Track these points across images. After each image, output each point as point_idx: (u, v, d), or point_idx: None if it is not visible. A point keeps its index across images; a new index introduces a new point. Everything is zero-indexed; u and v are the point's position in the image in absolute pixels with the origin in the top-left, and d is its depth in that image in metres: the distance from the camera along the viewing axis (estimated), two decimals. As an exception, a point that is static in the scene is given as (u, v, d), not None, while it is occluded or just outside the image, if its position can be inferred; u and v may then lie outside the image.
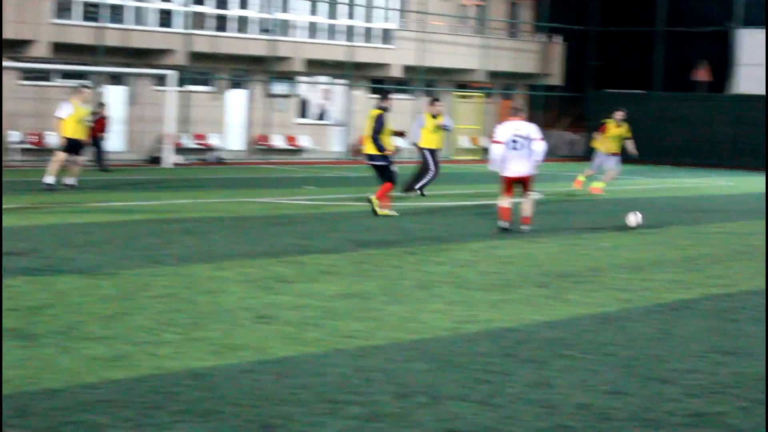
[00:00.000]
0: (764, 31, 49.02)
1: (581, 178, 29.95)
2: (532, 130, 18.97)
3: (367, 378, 8.26)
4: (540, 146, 18.83)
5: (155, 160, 38.58)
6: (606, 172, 29.58)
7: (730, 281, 13.83)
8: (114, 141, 38.89)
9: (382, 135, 21.54)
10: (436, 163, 26.62)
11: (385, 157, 21.69)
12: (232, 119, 43.34)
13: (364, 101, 47.35)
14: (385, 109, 21.91)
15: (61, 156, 25.89)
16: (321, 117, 46.89)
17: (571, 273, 14.12)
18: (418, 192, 26.37)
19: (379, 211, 21.27)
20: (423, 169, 26.60)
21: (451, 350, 9.34)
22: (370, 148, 21.78)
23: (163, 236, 16.93)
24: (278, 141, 44.54)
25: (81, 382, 7.85)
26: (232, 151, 42.66)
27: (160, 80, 39.75)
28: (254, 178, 32.73)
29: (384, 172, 21.66)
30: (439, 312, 11.06)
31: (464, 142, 51.06)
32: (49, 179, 25.49)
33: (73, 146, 26.10)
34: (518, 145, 18.74)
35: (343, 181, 32.35)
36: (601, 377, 8.51)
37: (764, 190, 30.81)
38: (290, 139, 45.00)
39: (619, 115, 29.39)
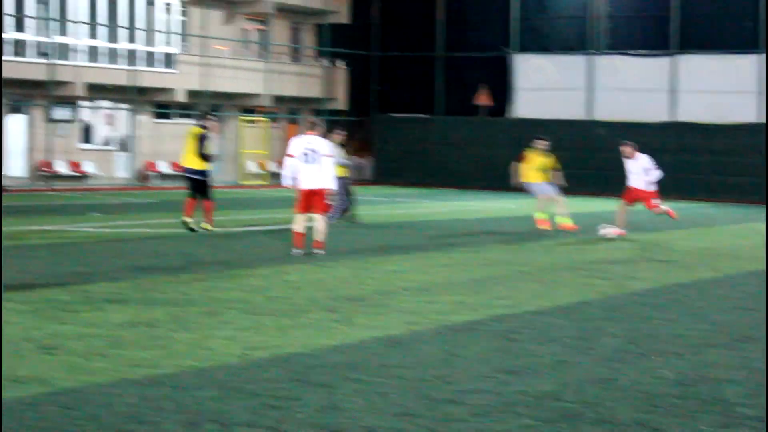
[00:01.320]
0: (538, 56, 50.47)
1: (541, 216, 26.77)
2: (324, 145, 19.21)
3: (156, 407, 8.17)
4: (329, 162, 19.11)
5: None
6: (542, 200, 27.15)
7: (513, 302, 14.14)
8: None
9: (205, 152, 22.71)
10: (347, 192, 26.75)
11: (204, 173, 22.77)
12: (12, 145, 42.31)
13: (149, 126, 46.90)
14: (205, 128, 22.92)
15: None
16: (105, 142, 46.20)
17: (359, 297, 14.23)
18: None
19: (204, 225, 22.42)
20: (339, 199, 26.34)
21: (240, 377, 9.31)
22: (190, 163, 22.79)
23: (-60, 267, 16.40)
24: (61, 167, 43.69)
25: None
26: (13, 177, 41.64)
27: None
28: (37, 206, 32.00)
29: (202, 187, 22.74)
30: (228, 338, 11.02)
31: (251, 166, 51.00)
32: None
33: None
34: (310, 158, 18.96)
35: (129, 207, 31.93)
36: (390, 400, 8.61)
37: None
38: (74, 165, 44.19)
39: (542, 144, 26.85)
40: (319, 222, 19.21)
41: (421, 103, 53.84)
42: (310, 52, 55.13)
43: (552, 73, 50.24)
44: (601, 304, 14.12)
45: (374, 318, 12.55)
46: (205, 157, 22.85)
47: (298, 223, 19.12)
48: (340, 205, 26.48)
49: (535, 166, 26.67)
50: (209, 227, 22.86)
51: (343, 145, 26.36)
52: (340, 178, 25.98)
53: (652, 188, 24.73)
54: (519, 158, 27.20)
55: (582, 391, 9.08)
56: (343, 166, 26.08)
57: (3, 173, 40.74)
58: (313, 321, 12.21)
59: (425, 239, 23.09)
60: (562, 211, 26.59)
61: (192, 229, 22.65)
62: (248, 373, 9.45)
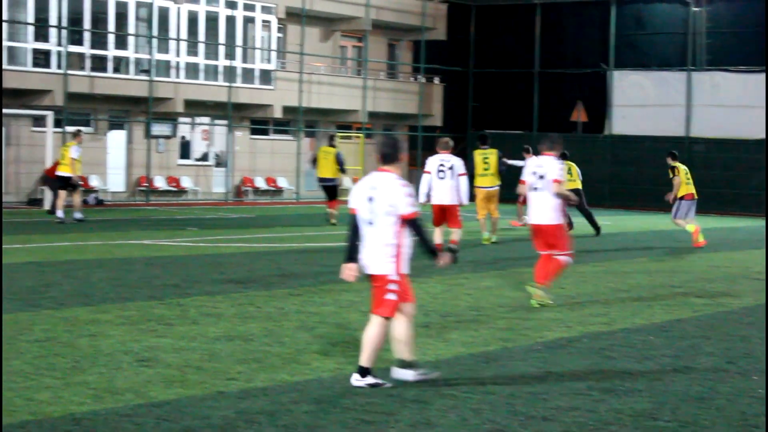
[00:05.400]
0: (635, 72, 50.05)
1: (695, 232, 26.14)
2: (458, 163, 20.24)
3: (251, 421, 8.23)
4: (464, 180, 20.20)
5: (34, 202, 38.02)
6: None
7: (609, 319, 14.03)
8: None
9: (342, 167, 30.95)
10: None
11: (335, 180, 31.31)
12: (113, 160, 42.91)
13: (246, 142, 47.29)
14: (334, 146, 30.99)
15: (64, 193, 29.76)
16: (202, 158, 46.69)
17: (453, 312, 14.22)
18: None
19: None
20: None
21: (334, 391, 9.35)
22: (327, 173, 30.94)
23: (42, 279, 16.69)
24: (160, 182, 44.22)
25: (-42, 430, 7.70)
26: (113, 192, 42.24)
27: (38, 121, 39.26)
28: (135, 220, 32.43)
29: (333, 191, 31.12)
30: (323, 353, 11.06)
31: (346, 182, 51.20)
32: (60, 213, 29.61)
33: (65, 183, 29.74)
34: (443, 174, 19.81)
35: (225, 222, 32.21)
36: (484, 416, 8.58)
37: (642, 229, 31.41)
38: (172, 180, 44.70)
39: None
40: (455, 234, 20.81)
41: (516, 120, 53.67)
42: (406, 68, 55.23)
43: (649, 90, 49.78)
44: (697, 323, 13.96)
45: (468, 334, 12.52)
46: (341, 170, 31.12)
47: (436, 235, 20.67)
48: None
49: (684, 181, 26.45)
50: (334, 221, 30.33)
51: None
52: None
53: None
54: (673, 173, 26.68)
55: (678, 410, 8.98)
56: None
57: (101, 187, 41.33)
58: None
59: (517, 255, 22.98)
60: (692, 226, 26.29)
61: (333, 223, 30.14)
62: (342, 388, 9.48)
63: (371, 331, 9.63)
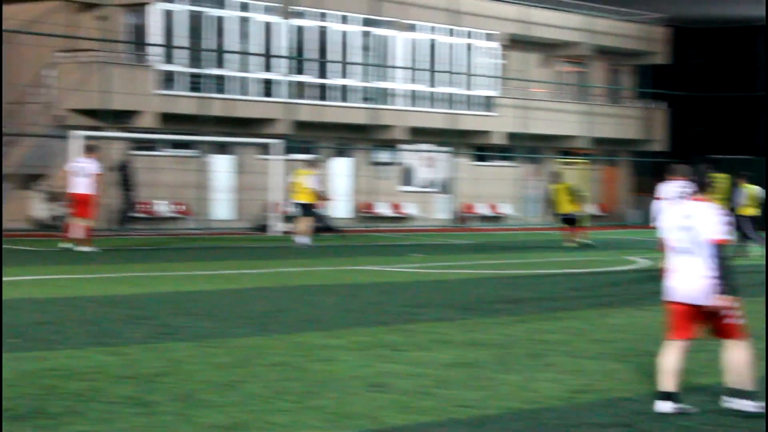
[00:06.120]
0: None
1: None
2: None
3: (486, 448, 8.20)
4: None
5: (262, 228, 38.92)
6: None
7: None
8: (221, 209, 39.45)
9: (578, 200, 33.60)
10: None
11: (573, 213, 33.57)
12: (338, 187, 43.61)
13: (468, 168, 47.45)
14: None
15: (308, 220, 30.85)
16: (425, 185, 47.05)
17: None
18: None
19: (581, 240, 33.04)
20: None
21: (566, 420, 9.24)
22: (564, 209, 33.37)
23: (273, 304, 17.05)
24: (383, 208, 44.74)
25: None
26: (337, 218, 42.93)
27: (264, 149, 40.20)
28: (360, 246, 32.86)
29: (572, 221, 33.80)
30: (553, 381, 10.96)
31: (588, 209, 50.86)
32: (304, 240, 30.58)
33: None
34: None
35: (449, 249, 32.33)
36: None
37: None
38: (395, 207, 45.18)
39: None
40: None
41: (741, 144, 52.46)
42: (628, 93, 54.59)
43: None
44: None
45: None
46: (577, 201, 33.54)
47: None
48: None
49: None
50: (585, 240, 33.31)
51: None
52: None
53: None
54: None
55: None
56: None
57: (323, 215, 41.99)
58: (639, 365, 11.99)
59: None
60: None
61: (586, 245, 32.63)
62: (574, 417, 9.38)
63: (735, 355, 9.46)
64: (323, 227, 35.75)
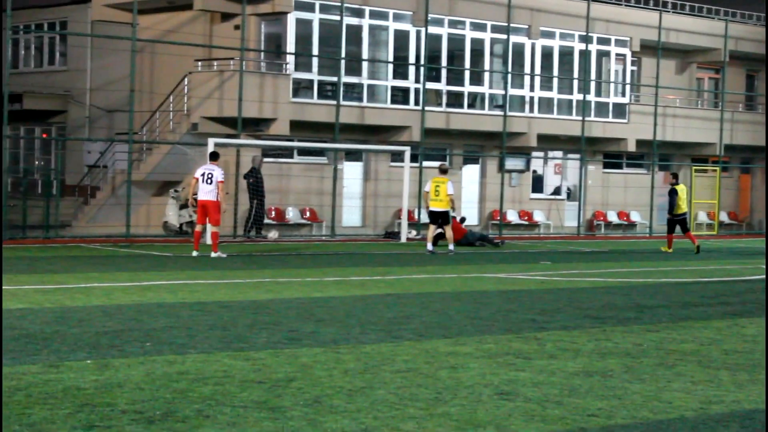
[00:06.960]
0: None
1: None
2: None
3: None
4: None
5: (391, 235, 39.04)
6: None
7: None
8: (350, 216, 39.67)
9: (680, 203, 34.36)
10: None
11: (684, 214, 34.53)
12: (467, 194, 43.57)
13: (598, 176, 47.07)
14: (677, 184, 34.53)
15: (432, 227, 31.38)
16: (555, 192, 46.77)
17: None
18: None
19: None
20: None
21: (698, 431, 9.12)
22: (679, 210, 33.98)
23: (401, 310, 17.09)
24: (512, 216, 44.59)
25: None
26: (468, 226, 42.88)
27: (394, 156, 40.33)
28: (489, 253, 32.78)
29: (684, 223, 34.65)
30: (684, 391, 10.81)
31: (702, 216, 50.13)
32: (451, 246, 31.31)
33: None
34: None
35: (578, 257, 32.10)
36: None
37: None
38: (524, 214, 44.98)
39: None
40: None
41: None
42: (764, 99, 53.63)
43: None
44: None
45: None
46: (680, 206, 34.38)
47: None
48: None
49: None
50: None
51: None
52: None
53: None
54: None
55: None
56: None
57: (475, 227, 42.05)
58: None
59: None
60: None
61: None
62: (706, 428, 9.24)
63: None
64: (479, 237, 36.27)
